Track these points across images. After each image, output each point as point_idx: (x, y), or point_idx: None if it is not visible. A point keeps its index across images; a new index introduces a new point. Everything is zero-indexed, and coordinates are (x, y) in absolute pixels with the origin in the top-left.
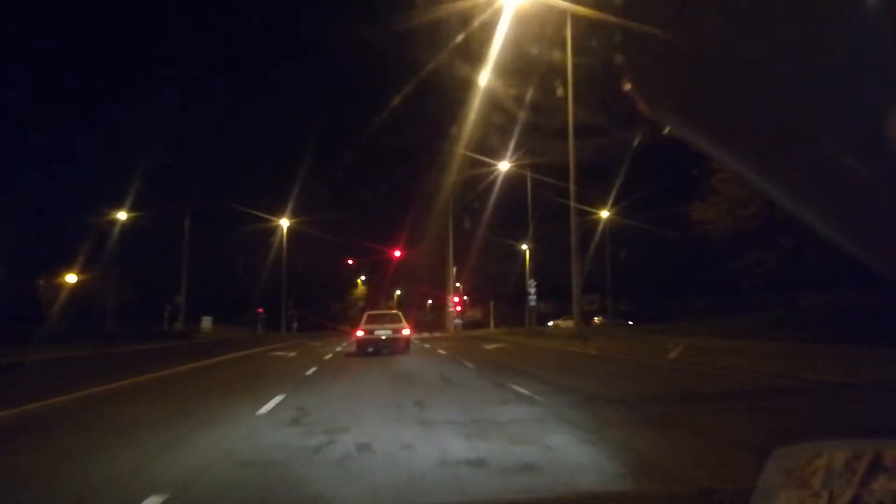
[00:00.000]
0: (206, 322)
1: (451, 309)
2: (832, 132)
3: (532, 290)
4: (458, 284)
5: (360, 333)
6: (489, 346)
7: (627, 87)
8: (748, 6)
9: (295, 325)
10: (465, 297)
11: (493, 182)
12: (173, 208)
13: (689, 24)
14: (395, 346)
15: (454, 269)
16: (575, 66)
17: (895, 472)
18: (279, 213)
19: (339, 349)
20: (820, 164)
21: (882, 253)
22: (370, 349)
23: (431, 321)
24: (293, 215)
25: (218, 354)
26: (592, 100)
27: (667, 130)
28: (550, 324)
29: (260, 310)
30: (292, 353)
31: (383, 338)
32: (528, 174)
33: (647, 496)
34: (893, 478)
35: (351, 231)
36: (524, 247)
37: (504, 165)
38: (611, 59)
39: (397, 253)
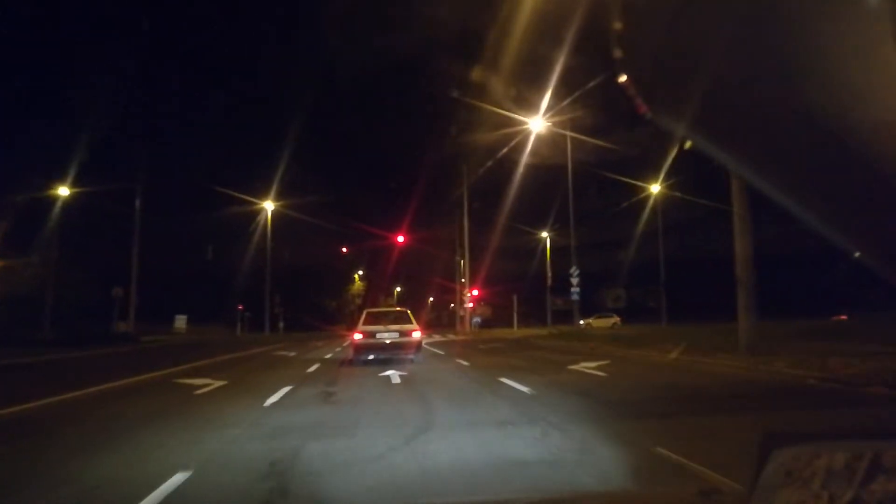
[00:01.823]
0: (180, 321)
1: (467, 305)
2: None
3: (575, 281)
4: (463, 280)
5: (357, 336)
6: (585, 367)
7: (623, 79)
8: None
9: (281, 325)
10: (474, 293)
11: (516, 154)
12: (133, 186)
13: (698, 18)
14: (402, 353)
15: (465, 259)
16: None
17: (895, 472)
18: (263, 195)
19: (312, 369)
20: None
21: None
22: (370, 356)
23: (434, 319)
24: (279, 197)
25: (85, 384)
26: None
27: (688, 145)
28: (582, 323)
29: (241, 307)
30: (217, 384)
31: (388, 342)
32: (569, 134)
33: (648, 496)
34: (893, 478)
35: (346, 213)
36: (544, 234)
37: (537, 124)
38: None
39: (400, 238)
